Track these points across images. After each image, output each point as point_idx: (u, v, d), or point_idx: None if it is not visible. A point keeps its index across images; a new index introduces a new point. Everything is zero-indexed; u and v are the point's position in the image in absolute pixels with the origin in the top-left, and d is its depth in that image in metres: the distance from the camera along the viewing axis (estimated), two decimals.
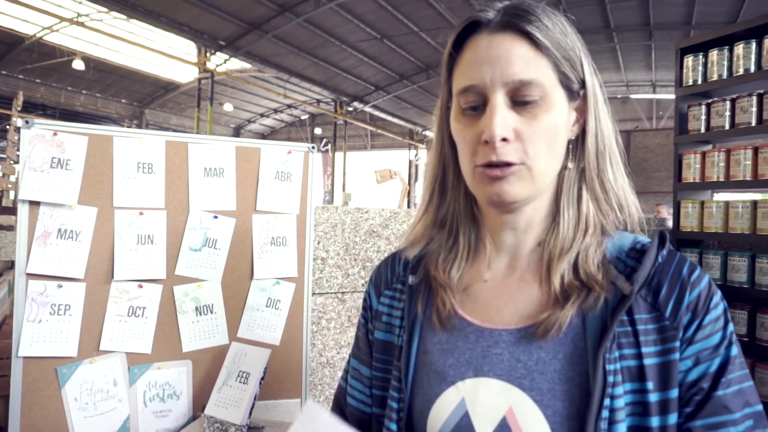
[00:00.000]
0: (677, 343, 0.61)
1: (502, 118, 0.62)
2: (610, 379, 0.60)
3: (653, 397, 0.60)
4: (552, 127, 0.65)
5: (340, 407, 0.85)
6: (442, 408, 0.67)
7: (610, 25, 11.22)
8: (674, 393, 0.61)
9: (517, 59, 0.63)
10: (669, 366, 0.61)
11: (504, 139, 0.62)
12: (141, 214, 1.30)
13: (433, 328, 0.73)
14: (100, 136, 1.27)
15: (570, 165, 0.70)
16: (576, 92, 0.68)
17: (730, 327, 0.64)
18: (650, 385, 0.60)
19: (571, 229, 0.69)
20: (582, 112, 0.69)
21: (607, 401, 0.59)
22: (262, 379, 1.23)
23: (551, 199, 0.71)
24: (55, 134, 1.23)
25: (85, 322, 1.24)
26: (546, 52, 0.64)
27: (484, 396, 0.65)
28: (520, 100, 0.63)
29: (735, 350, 0.63)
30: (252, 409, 1.20)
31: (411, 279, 0.77)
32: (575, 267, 0.67)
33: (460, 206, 0.76)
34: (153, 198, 1.31)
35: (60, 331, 1.22)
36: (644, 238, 0.69)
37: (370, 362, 0.80)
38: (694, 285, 0.63)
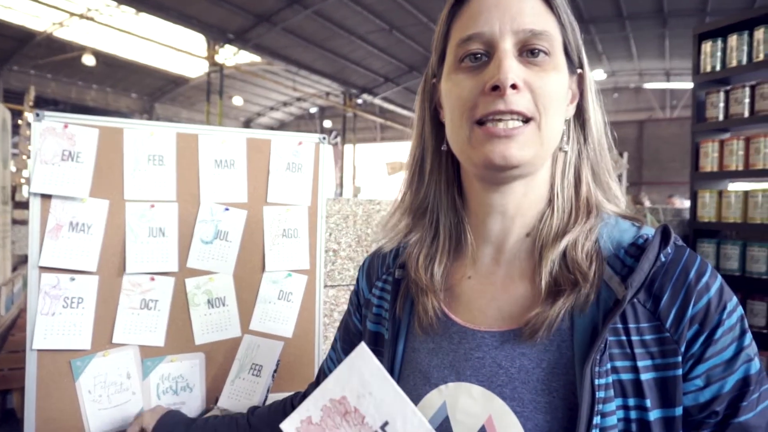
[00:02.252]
0: (679, 359, 0.55)
1: (512, 63, 0.58)
2: (600, 394, 0.53)
3: (653, 415, 0.55)
4: (560, 86, 0.61)
5: (318, 377, 0.92)
6: (425, 410, 0.64)
7: (623, 12, 11.04)
8: (678, 411, 0.55)
9: (529, 9, 0.60)
10: (669, 382, 0.55)
11: (514, 86, 0.57)
12: (152, 206, 1.29)
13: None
14: (111, 128, 1.27)
15: (566, 147, 0.65)
16: (575, 66, 0.65)
17: (747, 338, 0.56)
18: (648, 402, 0.54)
19: (566, 213, 0.64)
20: (575, 93, 0.66)
21: (597, 419, 0.53)
22: (275, 371, 1.23)
23: (544, 182, 0.66)
24: (65, 126, 1.22)
25: (98, 315, 1.24)
26: (556, 10, 0.61)
27: (465, 402, 0.61)
28: (529, 49, 0.59)
29: (756, 366, 0.55)
30: (265, 401, 1.20)
31: (398, 273, 0.73)
32: (564, 256, 0.61)
33: (440, 192, 0.71)
34: (164, 190, 1.31)
35: (73, 324, 1.22)
36: (649, 230, 0.62)
37: (343, 346, 0.87)
38: (701, 292, 0.55)
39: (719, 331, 0.55)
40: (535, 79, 0.59)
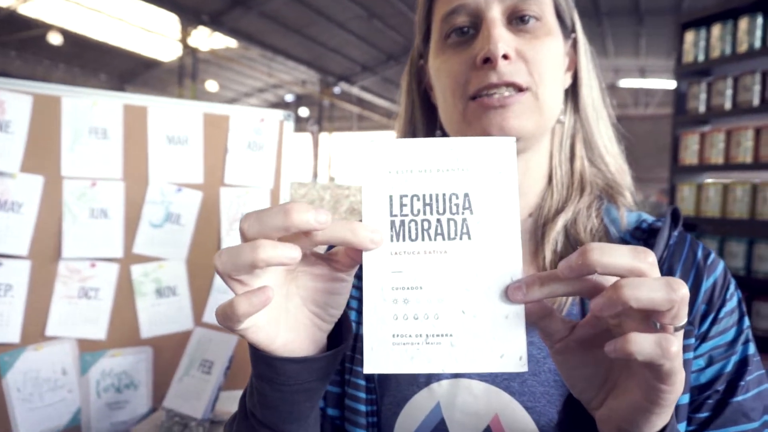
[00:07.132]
0: (692, 340, 0.52)
1: (502, 32, 0.54)
2: None
3: None
4: (555, 52, 0.57)
5: None
6: (413, 413, 0.56)
7: (600, 9, 11.10)
8: (685, 398, 0.52)
9: None
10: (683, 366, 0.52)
11: (505, 57, 0.53)
12: (93, 184, 1.16)
13: None
14: (47, 96, 1.13)
15: (562, 118, 0.62)
16: (569, 31, 0.61)
17: (746, 321, 0.56)
18: None
19: (565, 188, 0.61)
20: (572, 59, 0.63)
21: None
22: (228, 368, 1.12)
23: (545, 158, 0.62)
24: None
25: (29, 304, 1.12)
26: None
27: (464, 401, 0.54)
28: (518, 16, 0.55)
29: (752, 348, 0.55)
30: (216, 401, 1.09)
31: None
32: (567, 233, 0.59)
33: None
34: (108, 167, 1.18)
35: (0, 314, 1.09)
36: (648, 216, 0.61)
37: None
38: (710, 271, 0.55)
39: (723, 311, 0.54)
40: (528, 48, 0.55)
